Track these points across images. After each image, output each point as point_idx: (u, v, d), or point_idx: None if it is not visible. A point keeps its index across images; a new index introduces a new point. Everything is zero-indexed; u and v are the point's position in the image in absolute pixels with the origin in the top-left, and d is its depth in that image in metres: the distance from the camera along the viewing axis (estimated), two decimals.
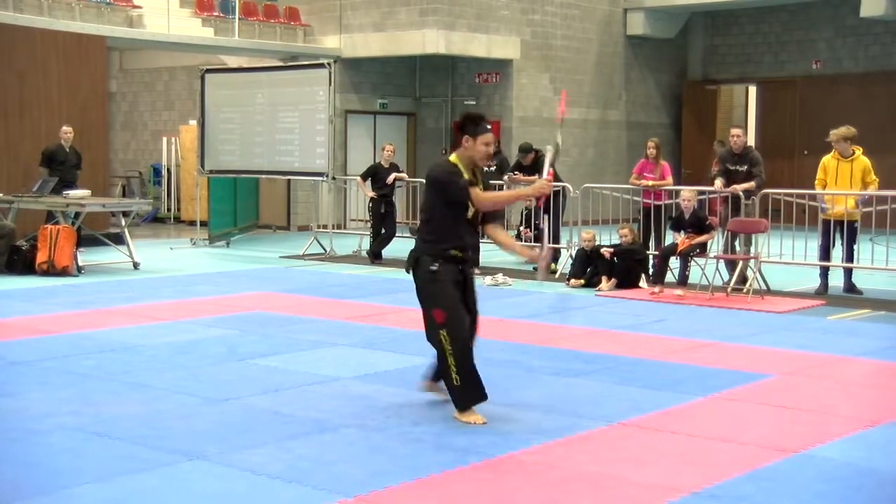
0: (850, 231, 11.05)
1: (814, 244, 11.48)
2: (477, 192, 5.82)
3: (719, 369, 7.23)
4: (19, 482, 4.63)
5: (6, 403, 6.08)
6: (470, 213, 5.81)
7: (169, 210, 21.51)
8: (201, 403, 6.10)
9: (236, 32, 18.92)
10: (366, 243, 14.66)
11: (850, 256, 11.18)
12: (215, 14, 19.24)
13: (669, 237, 11.98)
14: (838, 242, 11.19)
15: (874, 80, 21.14)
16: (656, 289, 10.98)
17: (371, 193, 14.21)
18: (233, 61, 19.65)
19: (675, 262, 11.24)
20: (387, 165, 14.36)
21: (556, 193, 13.41)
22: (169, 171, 21.59)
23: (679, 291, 10.82)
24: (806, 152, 20.83)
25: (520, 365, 7.29)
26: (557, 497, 4.57)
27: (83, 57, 16.32)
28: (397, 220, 14.77)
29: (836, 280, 11.30)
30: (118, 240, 13.65)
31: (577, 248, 12.23)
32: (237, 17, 19.01)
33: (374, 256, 14.03)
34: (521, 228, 14.25)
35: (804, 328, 9.14)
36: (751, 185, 11.38)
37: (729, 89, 24.58)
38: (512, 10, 19.83)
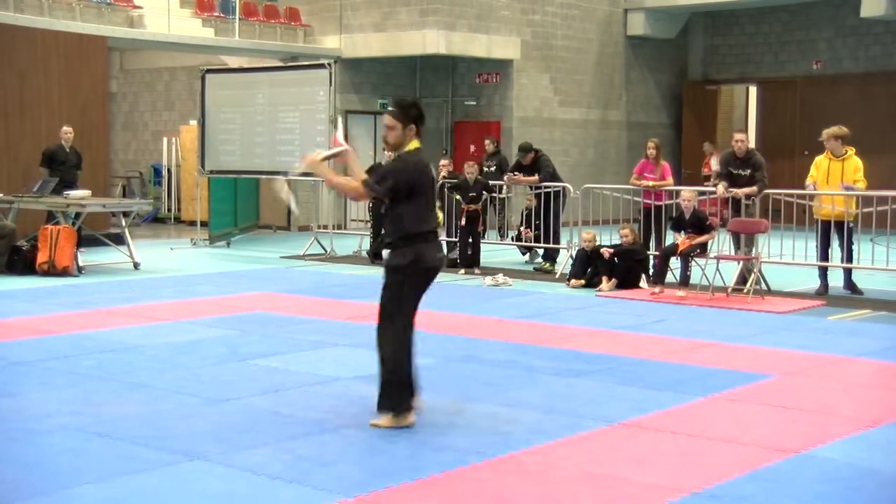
0: (844, 231, 11.05)
1: (814, 244, 11.48)
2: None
3: (720, 369, 7.23)
4: (20, 482, 4.63)
5: (7, 403, 6.08)
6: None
7: (169, 210, 21.51)
8: (202, 404, 6.10)
9: (237, 33, 18.92)
10: (366, 243, 14.66)
11: (848, 257, 11.18)
12: (216, 14, 19.24)
13: (670, 237, 11.98)
14: (835, 243, 11.20)
15: (875, 80, 21.14)
16: (657, 289, 10.98)
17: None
18: (233, 61, 19.64)
19: (675, 263, 11.24)
20: None
21: (556, 193, 13.44)
22: (169, 171, 21.59)
23: (680, 292, 10.81)
24: (806, 152, 20.77)
25: (520, 365, 7.29)
26: (558, 497, 4.57)
27: (84, 57, 16.32)
28: None
29: (837, 280, 11.30)
30: (119, 240, 13.65)
31: (577, 249, 12.24)
32: (237, 17, 19.01)
33: (375, 256, 14.02)
34: (522, 228, 14.26)
35: (805, 328, 9.14)
36: (753, 189, 11.39)
37: (729, 89, 24.58)
38: (512, 11, 19.83)
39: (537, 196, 13.58)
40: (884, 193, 11.35)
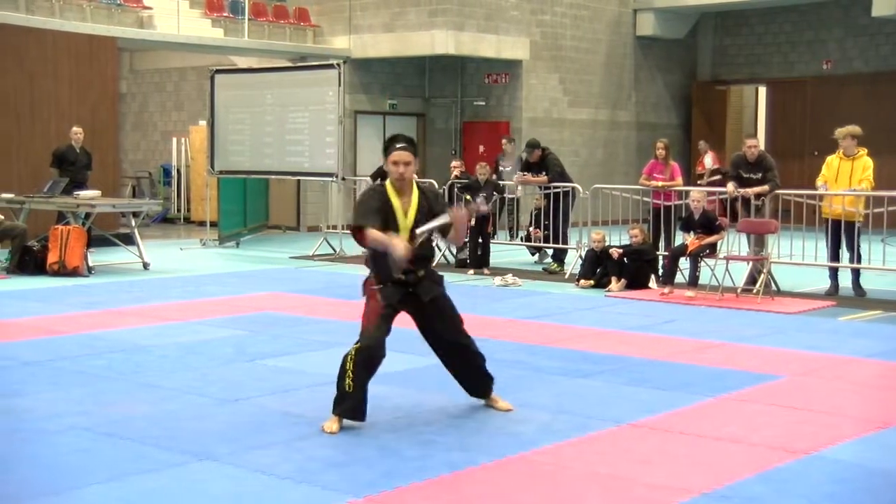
0: (851, 231, 11.02)
1: (823, 245, 11.45)
2: (370, 231, 5.45)
3: (729, 370, 7.22)
4: (30, 481, 4.64)
5: (18, 403, 6.10)
6: (401, 234, 5.49)
7: (179, 210, 21.56)
8: (211, 404, 6.11)
9: (246, 33, 18.95)
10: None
11: (856, 257, 11.14)
12: (225, 15, 19.28)
13: (679, 238, 11.96)
14: (843, 243, 11.16)
15: (885, 80, 21.06)
16: (666, 289, 10.96)
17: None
18: (242, 62, 19.68)
19: (684, 263, 11.22)
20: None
21: (565, 194, 13.43)
22: (179, 171, 21.63)
23: (689, 292, 10.79)
24: (816, 153, 20.72)
25: (529, 365, 7.28)
26: (567, 498, 4.57)
27: (94, 58, 16.37)
28: None
29: (848, 281, 11.26)
30: (128, 240, 13.69)
31: (586, 249, 12.23)
32: (247, 17, 19.04)
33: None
34: (531, 229, 14.25)
35: (815, 329, 9.11)
36: (764, 188, 11.38)
37: (739, 90, 24.54)
38: (521, 11, 19.82)
39: (546, 196, 13.58)
40: (893, 194, 11.32)
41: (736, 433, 5.59)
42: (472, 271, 12.80)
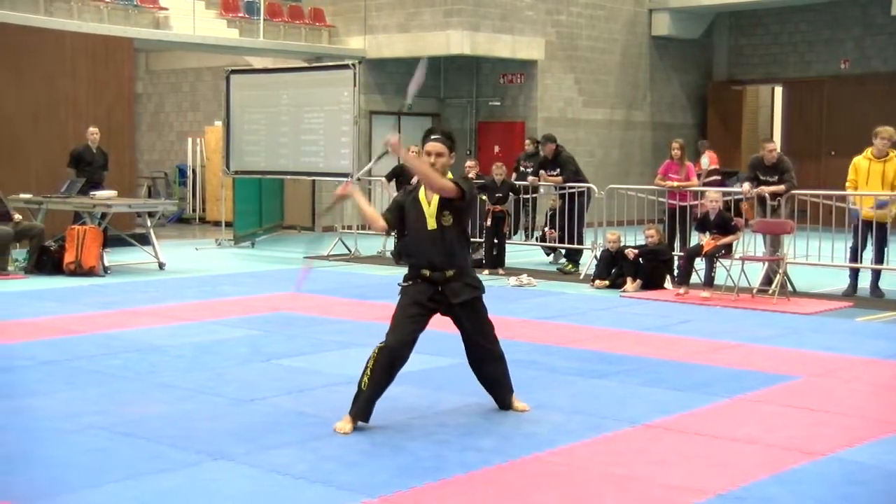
0: (880, 233, 10.95)
1: (840, 245, 11.39)
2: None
3: (745, 371, 7.19)
4: (47, 480, 4.66)
5: (35, 402, 6.13)
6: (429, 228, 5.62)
7: (194, 211, 21.62)
8: (226, 404, 6.13)
9: (261, 33, 18.99)
10: (390, 244, 14.68)
11: (879, 258, 11.08)
12: (240, 15, 19.33)
13: (695, 238, 11.93)
14: (868, 244, 11.09)
15: None
16: (681, 290, 10.93)
17: (395, 194, 14.19)
18: (258, 62, 19.73)
19: (700, 264, 11.19)
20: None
21: (580, 194, 13.41)
22: (194, 171, 21.70)
23: (704, 293, 10.76)
24: (833, 153, 20.67)
25: (544, 366, 7.28)
26: (582, 498, 4.56)
27: (110, 59, 16.44)
28: None
29: (866, 282, 11.19)
30: (144, 240, 13.73)
31: (601, 249, 12.21)
32: (262, 18, 19.08)
33: (399, 257, 14.03)
34: (546, 229, 14.23)
35: (831, 330, 9.07)
36: (780, 188, 11.33)
37: (754, 90, 24.43)
38: (537, 11, 19.80)
39: (561, 196, 13.56)
40: None
41: (752, 434, 5.57)
42: (487, 271, 12.79)
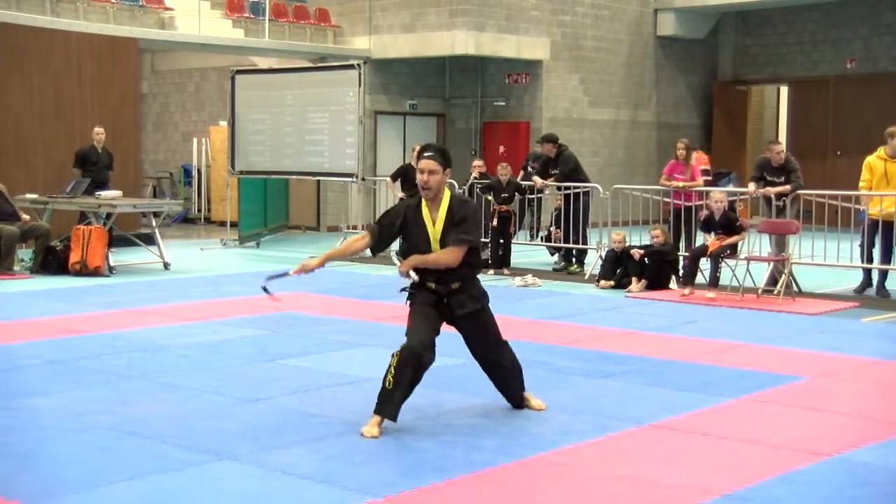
0: (887, 232, 10.92)
1: (846, 245, 11.37)
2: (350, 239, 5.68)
3: (750, 371, 7.18)
4: (53, 479, 4.67)
5: (41, 402, 6.14)
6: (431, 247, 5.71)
7: (199, 211, 21.64)
8: (232, 403, 6.13)
9: (266, 34, 19.01)
10: (395, 245, 14.64)
11: (886, 258, 11.06)
12: (245, 15, 19.35)
13: (700, 238, 11.92)
14: (876, 243, 11.07)
15: None
16: (686, 290, 10.92)
17: (401, 194, 14.21)
18: (263, 62, 19.74)
19: (705, 264, 11.17)
20: (416, 166, 14.33)
21: (585, 194, 13.39)
22: (199, 171, 21.72)
23: (710, 293, 10.75)
24: (839, 153, 20.64)
25: (549, 366, 7.27)
26: (587, 498, 4.55)
27: (116, 59, 16.46)
28: None
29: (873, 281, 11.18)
30: (149, 240, 13.75)
31: (606, 249, 12.20)
32: (267, 18, 19.10)
33: (404, 257, 14.01)
34: (552, 228, 14.22)
35: (837, 330, 9.06)
36: (786, 188, 11.33)
37: (760, 90, 24.40)
38: (542, 11, 19.79)
39: (565, 197, 13.55)
40: None
41: (757, 434, 5.56)
42: (492, 271, 12.78)
